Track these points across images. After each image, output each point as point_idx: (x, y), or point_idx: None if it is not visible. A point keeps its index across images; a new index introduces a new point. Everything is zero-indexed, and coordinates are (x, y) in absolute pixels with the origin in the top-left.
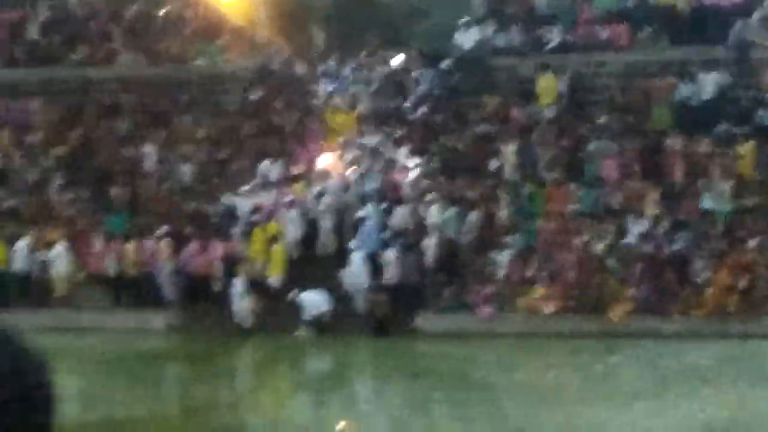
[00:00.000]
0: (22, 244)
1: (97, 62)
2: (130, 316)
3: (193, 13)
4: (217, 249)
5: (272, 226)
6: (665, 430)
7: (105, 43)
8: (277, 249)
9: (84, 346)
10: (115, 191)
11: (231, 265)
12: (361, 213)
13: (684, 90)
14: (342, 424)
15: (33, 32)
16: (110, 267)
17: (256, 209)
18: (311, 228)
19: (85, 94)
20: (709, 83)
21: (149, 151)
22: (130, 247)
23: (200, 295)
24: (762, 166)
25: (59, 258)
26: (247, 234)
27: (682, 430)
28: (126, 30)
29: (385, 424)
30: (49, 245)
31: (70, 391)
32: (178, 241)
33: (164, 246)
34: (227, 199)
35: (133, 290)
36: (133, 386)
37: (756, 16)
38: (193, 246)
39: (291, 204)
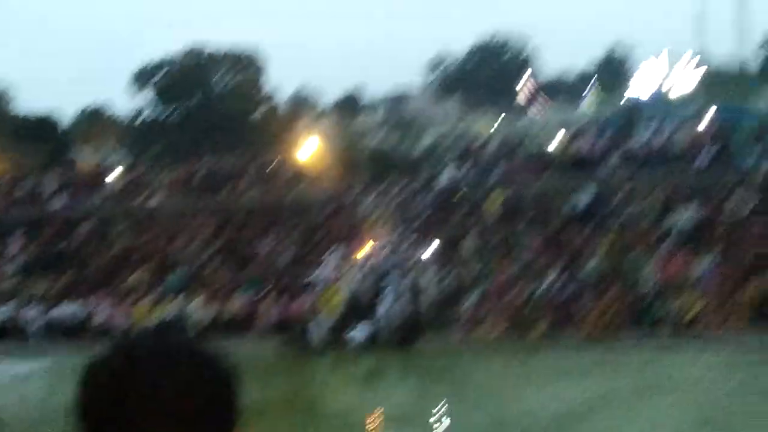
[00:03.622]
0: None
1: (236, 196)
2: (246, 341)
3: (288, 168)
4: (303, 302)
5: (333, 288)
6: (569, 402)
7: (239, 184)
8: (335, 301)
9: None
10: (249, 269)
11: (311, 311)
12: (388, 276)
13: (571, 202)
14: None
15: (198, 179)
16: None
17: (322, 278)
18: (355, 287)
19: (229, 213)
20: (585, 197)
21: (265, 244)
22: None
23: (293, 328)
24: (619, 246)
25: (197, 308)
26: (319, 293)
27: (577, 400)
28: (251, 177)
29: (400, 396)
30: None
31: None
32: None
33: (270, 301)
34: (309, 274)
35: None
36: (254, 379)
37: (612, 158)
38: (287, 300)
39: (343, 274)
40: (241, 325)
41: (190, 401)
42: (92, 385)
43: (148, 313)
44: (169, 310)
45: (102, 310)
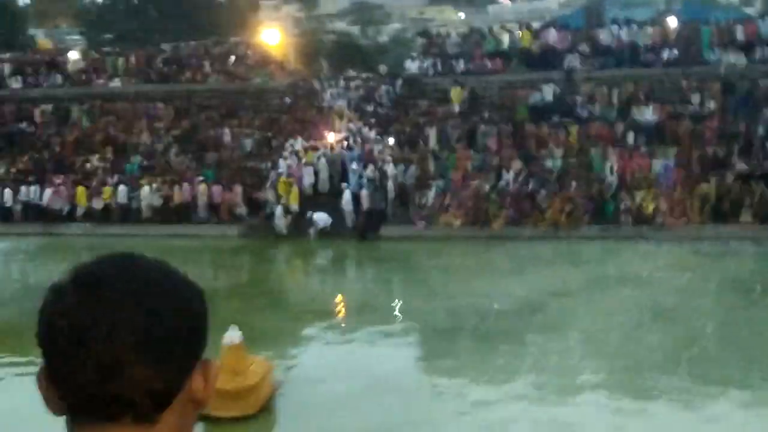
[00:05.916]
0: (122, 188)
1: (196, 81)
2: (218, 227)
3: (252, 53)
4: (263, 190)
5: (294, 177)
6: (523, 290)
7: (201, 69)
8: (294, 190)
9: (193, 244)
10: (207, 156)
11: (272, 200)
12: (351, 166)
13: (534, 96)
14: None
15: (159, 63)
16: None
17: (284, 167)
18: (317, 177)
19: (189, 99)
20: (548, 92)
21: (226, 132)
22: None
23: (256, 215)
24: (581, 141)
25: (146, 194)
26: (280, 182)
27: (533, 290)
28: (213, 62)
29: (362, 283)
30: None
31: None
32: (242, 184)
33: (229, 188)
34: (270, 160)
35: (215, 213)
36: (221, 265)
37: (576, 53)
38: (246, 189)
39: (305, 164)
40: (196, 211)
41: (156, 332)
42: (48, 324)
43: (93, 196)
44: (118, 194)
45: (46, 194)
